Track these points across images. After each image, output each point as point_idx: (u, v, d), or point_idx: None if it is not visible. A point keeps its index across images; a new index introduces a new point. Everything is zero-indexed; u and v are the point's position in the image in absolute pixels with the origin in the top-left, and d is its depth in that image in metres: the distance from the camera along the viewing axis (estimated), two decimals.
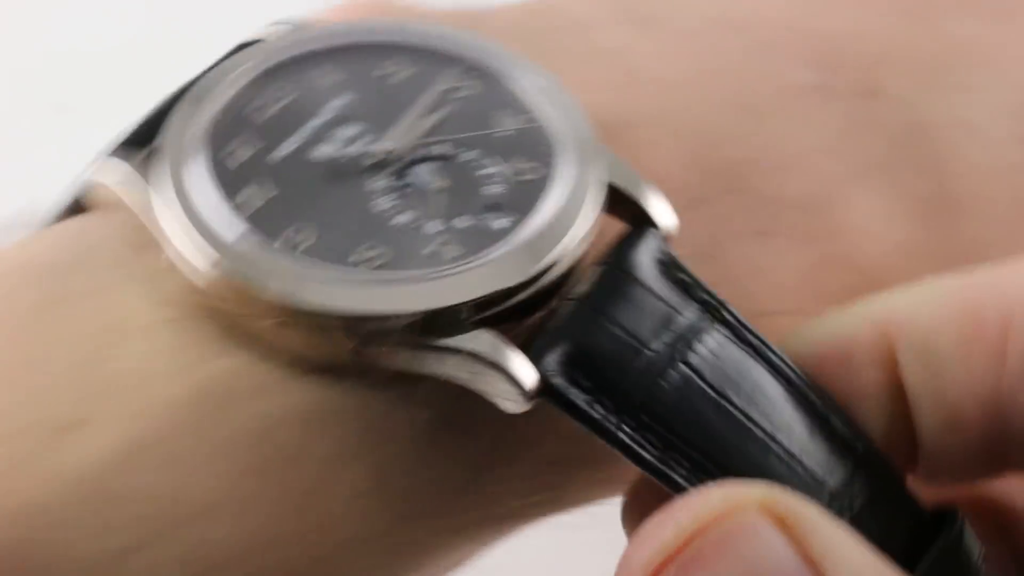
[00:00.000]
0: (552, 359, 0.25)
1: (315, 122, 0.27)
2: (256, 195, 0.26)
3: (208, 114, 0.26)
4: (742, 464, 0.26)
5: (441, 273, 0.25)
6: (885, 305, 0.28)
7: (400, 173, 0.27)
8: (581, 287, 0.26)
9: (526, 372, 0.25)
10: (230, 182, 0.26)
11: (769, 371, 0.27)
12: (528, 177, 0.27)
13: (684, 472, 0.25)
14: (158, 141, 0.26)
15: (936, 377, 0.27)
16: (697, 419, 0.26)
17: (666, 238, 0.27)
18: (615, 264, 0.26)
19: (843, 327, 0.28)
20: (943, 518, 0.28)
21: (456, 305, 0.25)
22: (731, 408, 0.26)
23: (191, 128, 0.26)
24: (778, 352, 0.27)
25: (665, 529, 0.24)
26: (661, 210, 0.27)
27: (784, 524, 0.23)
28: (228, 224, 0.25)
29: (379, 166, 0.27)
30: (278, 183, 0.26)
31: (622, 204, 0.27)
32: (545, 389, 0.25)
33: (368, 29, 0.29)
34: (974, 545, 0.28)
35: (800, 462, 0.26)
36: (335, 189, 0.26)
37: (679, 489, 0.25)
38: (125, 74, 0.54)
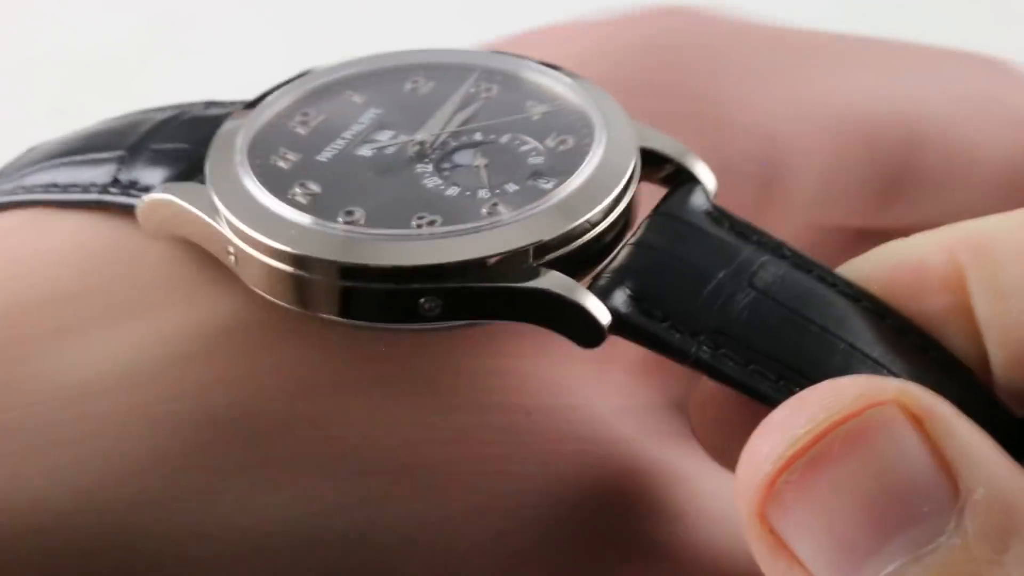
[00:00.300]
0: (620, 295, 0.26)
1: (352, 130, 0.28)
2: (306, 190, 0.27)
3: (249, 132, 0.28)
4: (829, 372, 0.25)
5: (502, 222, 0.26)
6: (956, 232, 0.27)
7: (442, 160, 0.28)
8: (637, 234, 0.27)
9: (600, 309, 0.25)
10: (279, 184, 0.27)
11: (838, 293, 0.27)
12: (566, 147, 0.28)
13: (770, 383, 0.25)
14: (205, 161, 0.28)
15: (1004, 311, 0.26)
16: (774, 333, 0.26)
17: (711, 196, 0.28)
18: (667, 212, 0.27)
19: (912, 251, 0.27)
20: None
21: (527, 246, 0.26)
22: (807, 322, 0.26)
23: (236, 143, 0.28)
24: (843, 278, 0.27)
25: (796, 421, 0.23)
26: (703, 170, 0.28)
27: (920, 423, 0.22)
28: (288, 212, 0.26)
29: (421, 155, 0.28)
30: (326, 179, 0.27)
31: (662, 170, 0.28)
32: (619, 324, 0.26)
33: (385, 56, 0.30)
34: None
35: (888, 369, 0.26)
36: (382, 178, 0.27)
37: (769, 400, 0.25)
38: (123, 78, 0.54)
